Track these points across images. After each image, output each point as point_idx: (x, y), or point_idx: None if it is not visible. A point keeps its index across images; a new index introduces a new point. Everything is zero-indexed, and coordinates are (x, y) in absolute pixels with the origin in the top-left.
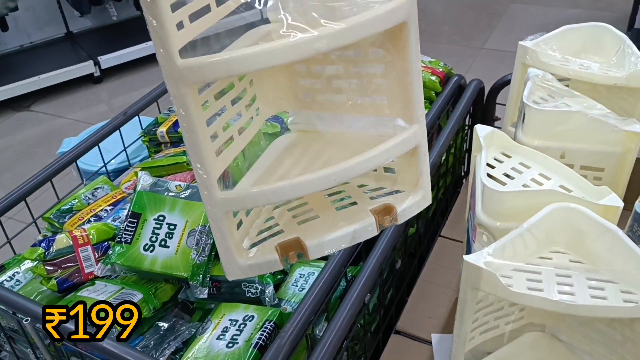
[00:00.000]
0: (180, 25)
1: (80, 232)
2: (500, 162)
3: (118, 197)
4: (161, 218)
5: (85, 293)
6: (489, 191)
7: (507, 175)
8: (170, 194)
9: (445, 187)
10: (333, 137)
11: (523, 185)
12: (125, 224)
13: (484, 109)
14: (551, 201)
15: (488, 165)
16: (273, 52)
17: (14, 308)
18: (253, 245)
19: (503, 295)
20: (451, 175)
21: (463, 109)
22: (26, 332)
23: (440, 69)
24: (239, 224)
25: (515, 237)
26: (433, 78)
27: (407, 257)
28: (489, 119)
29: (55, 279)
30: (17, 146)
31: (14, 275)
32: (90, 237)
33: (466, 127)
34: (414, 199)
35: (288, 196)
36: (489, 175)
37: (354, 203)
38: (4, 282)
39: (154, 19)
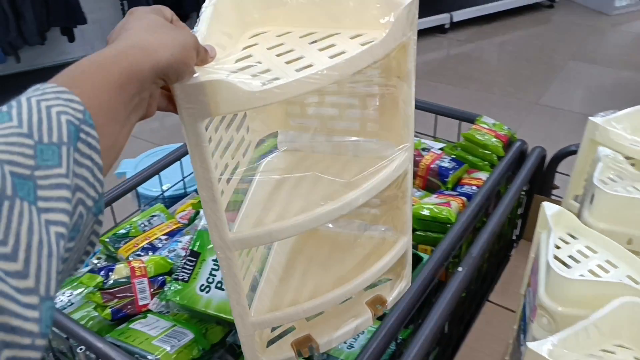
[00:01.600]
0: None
1: (139, 264)
2: (566, 242)
3: (173, 227)
4: None
5: (137, 326)
6: (555, 275)
7: (572, 258)
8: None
9: (497, 250)
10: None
11: (589, 271)
12: (184, 261)
13: (544, 176)
14: (619, 293)
15: (555, 246)
16: (307, 223)
17: (69, 334)
18: (270, 341)
19: None
20: (504, 239)
21: (524, 177)
22: (76, 359)
23: (503, 133)
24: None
25: (580, 329)
26: (495, 141)
27: (455, 321)
28: (548, 187)
29: (110, 307)
30: None
31: (65, 295)
32: (148, 269)
33: (523, 192)
34: (400, 287)
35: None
36: (555, 257)
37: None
38: (56, 301)
39: (213, 212)
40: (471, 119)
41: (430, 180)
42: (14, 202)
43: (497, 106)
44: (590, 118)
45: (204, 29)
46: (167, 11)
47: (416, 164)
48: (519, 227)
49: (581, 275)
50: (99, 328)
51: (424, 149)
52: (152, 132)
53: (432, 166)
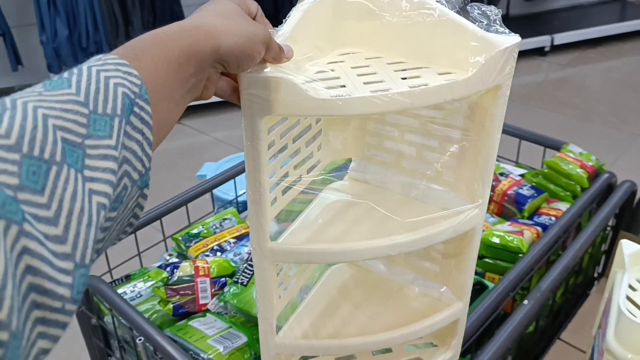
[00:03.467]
0: (273, 201)
1: (203, 264)
2: None
3: (242, 231)
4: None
5: (195, 324)
6: (625, 319)
7: None
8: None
9: (575, 286)
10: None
11: None
12: (245, 265)
13: (633, 212)
14: None
15: (630, 287)
16: (350, 253)
17: (132, 324)
18: None
19: None
20: (583, 275)
21: (608, 212)
22: (137, 349)
23: (591, 164)
24: None
25: None
26: (581, 172)
27: (520, 356)
28: (637, 224)
29: (172, 303)
30: (162, 154)
31: (136, 286)
32: (211, 270)
33: (608, 228)
34: (445, 357)
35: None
36: (629, 299)
37: (390, 349)
38: (127, 292)
39: (257, 215)
40: (557, 147)
41: (506, 207)
42: (62, 168)
43: (595, 136)
44: None
45: (289, 30)
46: (253, 5)
47: (492, 188)
48: (602, 264)
49: None
50: (161, 322)
51: (502, 174)
52: (240, 139)
53: (509, 192)
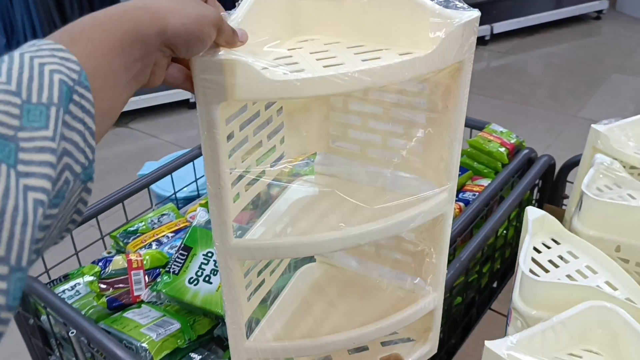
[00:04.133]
0: (236, 197)
1: (136, 257)
2: (548, 247)
3: (181, 225)
4: (209, 254)
5: (130, 315)
6: (526, 278)
7: (553, 263)
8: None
9: (503, 259)
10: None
11: (567, 276)
12: (176, 255)
13: (554, 186)
14: (589, 297)
15: (535, 250)
16: (318, 245)
17: (64, 319)
18: None
19: None
20: (511, 248)
21: (527, 183)
22: (72, 343)
23: (512, 141)
24: None
25: (544, 329)
26: (502, 150)
27: (449, 325)
28: (558, 197)
29: (106, 297)
30: (111, 159)
31: (75, 285)
32: (144, 262)
33: (535, 203)
34: (423, 351)
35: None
36: (534, 261)
37: (366, 347)
38: (66, 291)
39: (218, 210)
40: (482, 127)
41: None
42: None
43: (533, 118)
44: (592, 126)
45: (242, 14)
46: None
47: None
48: None
49: (558, 279)
50: (97, 316)
51: None
52: (190, 139)
53: None
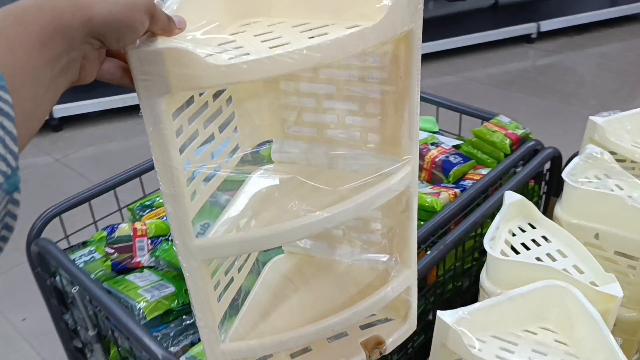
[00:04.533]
0: (193, 195)
1: (141, 225)
2: (524, 231)
3: None
4: (206, 225)
5: (131, 277)
6: (491, 257)
7: (525, 246)
8: (219, 206)
9: None
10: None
11: (536, 258)
12: None
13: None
14: (550, 278)
15: (511, 233)
16: (285, 234)
17: (71, 276)
18: None
19: (466, 357)
20: None
21: (528, 172)
22: (76, 300)
23: (518, 133)
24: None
25: (496, 303)
26: (504, 139)
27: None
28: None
29: (111, 260)
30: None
31: (91, 251)
32: (149, 230)
33: (543, 195)
34: (402, 330)
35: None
36: (508, 243)
37: (345, 333)
38: (82, 256)
39: (175, 210)
40: (491, 119)
41: (435, 174)
42: None
43: (573, 118)
44: (590, 117)
45: (177, 1)
46: None
47: (422, 157)
48: None
49: (527, 261)
50: (104, 278)
51: (433, 144)
52: None
53: (436, 160)
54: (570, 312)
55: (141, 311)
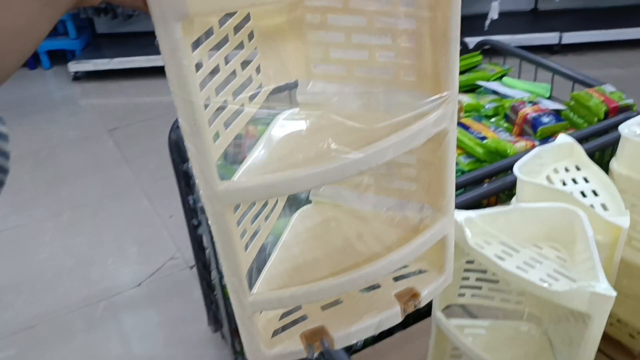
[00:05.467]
0: (216, 137)
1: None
2: (567, 170)
3: None
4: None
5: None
6: (518, 180)
7: (563, 182)
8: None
9: None
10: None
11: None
12: None
13: None
14: (566, 201)
15: (555, 171)
16: (315, 176)
17: None
18: (275, 332)
19: (461, 244)
20: None
21: (609, 139)
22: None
23: (619, 103)
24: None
25: (507, 211)
26: (601, 105)
27: None
28: None
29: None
30: None
31: None
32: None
33: None
34: (437, 282)
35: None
36: (549, 179)
37: (377, 285)
38: None
39: (197, 150)
40: (592, 85)
41: (525, 130)
42: None
43: None
44: None
45: None
46: None
47: (515, 112)
48: None
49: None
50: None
51: (531, 102)
52: None
53: (528, 116)
54: (575, 236)
55: None
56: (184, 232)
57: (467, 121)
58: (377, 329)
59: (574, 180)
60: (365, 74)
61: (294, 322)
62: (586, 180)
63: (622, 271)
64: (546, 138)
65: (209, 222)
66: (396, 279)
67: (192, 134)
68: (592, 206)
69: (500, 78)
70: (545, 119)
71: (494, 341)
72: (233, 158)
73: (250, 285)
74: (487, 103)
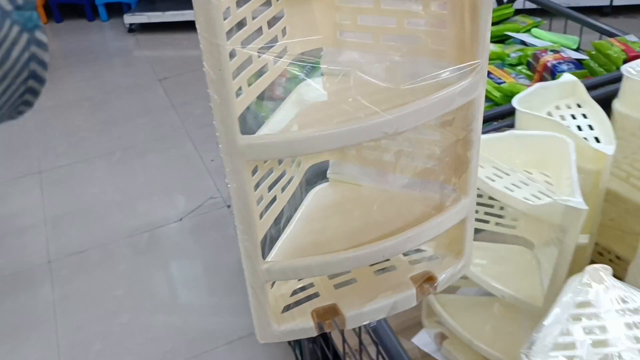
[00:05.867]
0: (239, 92)
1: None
2: (569, 108)
3: None
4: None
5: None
6: (517, 111)
7: (563, 118)
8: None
9: None
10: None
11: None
12: None
13: None
14: (558, 132)
15: (557, 107)
16: (339, 135)
17: None
18: (286, 308)
19: None
20: None
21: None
22: None
23: (638, 51)
24: (273, 283)
25: (502, 137)
26: (621, 53)
27: None
28: None
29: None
30: None
31: None
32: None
33: None
34: (455, 268)
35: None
36: (549, 114)
37: (393, 267)
38: None
39: (220, 98)
40: (615, 35)
41: (544, 77)
42: None
43: None
44: None
45: None
46: None
47: (537, 59)
48: None
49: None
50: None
51: (553, 50)
52: None
53: (548, 64)
54: (563, 162)
55: None
56: (223, 174)
57: (490, 68)
58: (391, 311)
59: (573, 116)
60: (393, 42)
61: (306, 299)
62: (585, 117)
63: (609, 201)
64: None
65: (227, 180)
66: (413, 262)
67: (217, 80)
68: (585, 139)
69: (530, 30)
70: (564, 67)
71: (486, 258)
72: (264, 94)
73: (264, 254)
74: (513, 52)
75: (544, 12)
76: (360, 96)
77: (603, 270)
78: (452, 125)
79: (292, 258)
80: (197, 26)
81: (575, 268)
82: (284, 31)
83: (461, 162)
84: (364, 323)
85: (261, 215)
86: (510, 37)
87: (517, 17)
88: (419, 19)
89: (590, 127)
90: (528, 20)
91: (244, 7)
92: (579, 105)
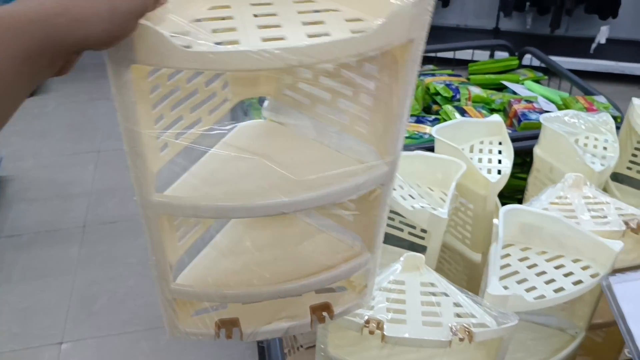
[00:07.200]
0: (164, 147)
1: None
2: (491, 143)
3: None
4: None
5: None
6: (437, 140)
7: (481, 151)
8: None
9: None
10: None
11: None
12: None
13: None
14: (461, 159)
15: (481, 142)
16: (240, 209)
17: None
18: (197, 312)
19: None
20: None
21: None
22: None
23: (600, 109)
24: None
25: (411, 155)
26: (580, 108)
27: None
28: None
29: None
30: None
31: None
32: None
33: None
34: (354, 303)
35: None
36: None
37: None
38: None
39: (134, 164)
40: (592, 94)
41: (513, 123)
42: None
43: None
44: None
45: None
46: None
47: (510, 106)
48: None
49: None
50: None
51: (527, 100)
52: None
53: (518, 111)
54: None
55: None
56: None
57: (468, 108)
58: (285, 334)
59: (490, 151)
60: (325, 112)
61: (215, 309)
62: (500, 153)
63: None
64: (526, 131)
65: (142, 222)
66: (317, 290)
67: (132, 153)
68: (489, 170)
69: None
70: (532, 116)
71: None
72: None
73: (175, 276)
74: (498, 99)
75: (547, 70)
76: (268, 174)
77: (418, 259)
78: (364, 198)
79: (201, 282)
80: (118, 113)
81: (474, 283)
82: (225, 84)
83: (369, 228)
84: (259, 339)
85: (180, 239)
86: (506, 86)
87: (521, 70)
88: (350, 102)
89: (499, 162)
90: (530, 73)
91: (177, 77)
92: (500, 143)
